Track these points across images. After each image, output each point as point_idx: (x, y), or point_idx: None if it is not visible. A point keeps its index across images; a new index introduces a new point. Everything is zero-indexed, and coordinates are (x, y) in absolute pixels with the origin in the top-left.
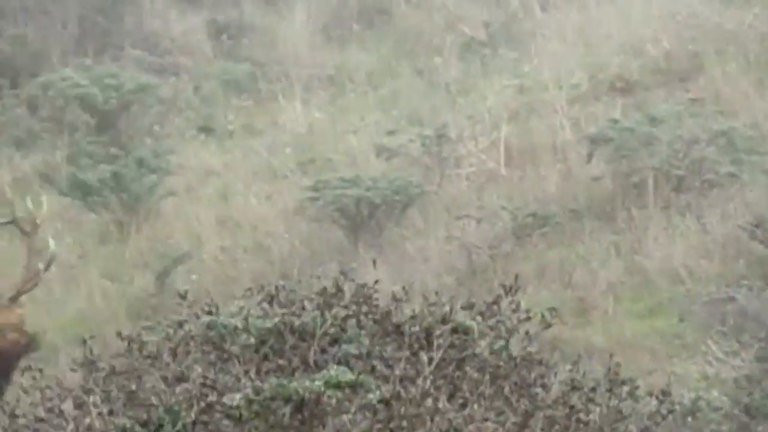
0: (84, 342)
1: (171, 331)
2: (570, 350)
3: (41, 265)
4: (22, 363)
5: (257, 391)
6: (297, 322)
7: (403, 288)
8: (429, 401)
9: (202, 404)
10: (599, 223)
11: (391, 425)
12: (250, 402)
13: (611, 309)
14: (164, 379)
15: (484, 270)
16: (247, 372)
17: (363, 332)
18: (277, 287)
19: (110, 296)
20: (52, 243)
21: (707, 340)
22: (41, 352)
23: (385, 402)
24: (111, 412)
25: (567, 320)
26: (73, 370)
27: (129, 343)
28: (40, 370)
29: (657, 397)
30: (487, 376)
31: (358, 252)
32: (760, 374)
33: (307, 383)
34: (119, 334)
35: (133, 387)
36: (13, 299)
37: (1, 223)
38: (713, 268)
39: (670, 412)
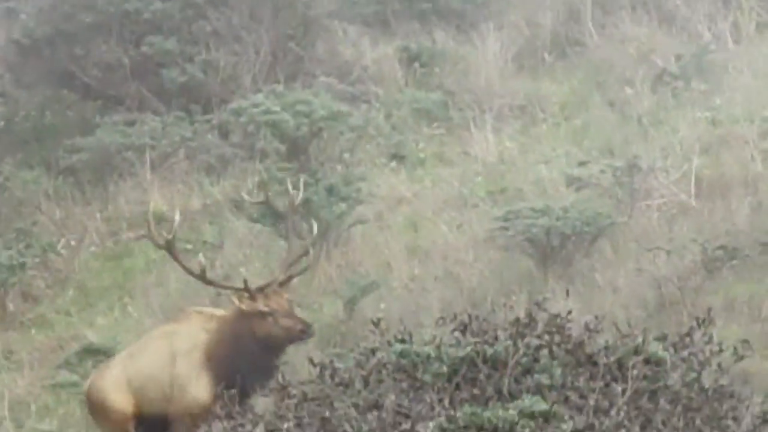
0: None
1: (363, 358)
2: (760, 383)
3: (312, 250)
4: None
5: (451, 420)
6: (490, 351)
7: (596, 318)
8: None
9: None
10: None
11: None
12: (443, 431)
13: None
14: (356, 406)
15: (674, 303)
16: (440, 400)
17: (556, 362)
18: (469, 316)
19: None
20: (314, 226)
21: None
22: None
23: None
24: None
25: (758, 353)
26: (264, 395)
27: (321, 370)
28: (232, 396)
29: None
30: (680, 408)
31: (548, 282)
32: None
33: (501, 412)
34: (311, 360)
35: (326, 414)
36: (283, 284)
37: (255, 202)
38: None
39: None
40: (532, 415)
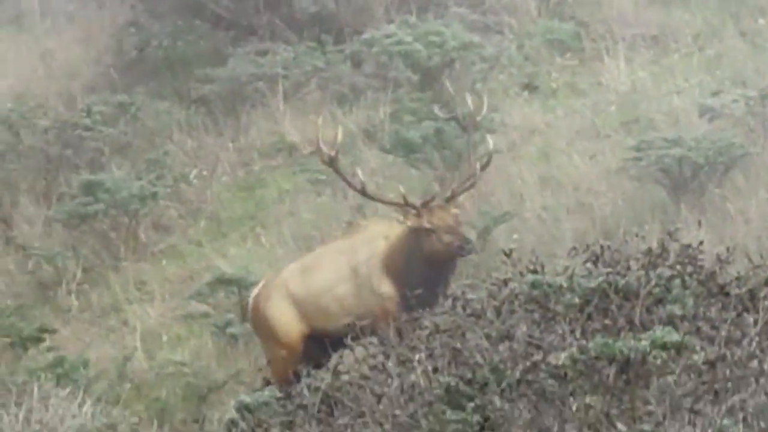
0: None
1: (495, 289)
2: None
3: (478, 164)
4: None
5: (582, 351)
6: (621, 282)
7: (727, 249)
8: (755, 363)
9: (527, 363)
10: None
11: (716, 387)
12: (575, 361)
13: None
14: (488, 337)
15: None
16: (572, 331)
17: (687, 293)
18: (601, 247)
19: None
20: (490, 141)
21: None
22: None
23: (710, 363)
24: (435, 370)
25: None
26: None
27: (453, 301)
28: (362, 328)
29: None
30: None
31: (680, 212)
32: None
33: (633, 343)
34: (445, 292)
35: (458, 345)
36: (449, 199)
37: (445, 118)
38: None
39: None
40: (663, 346)
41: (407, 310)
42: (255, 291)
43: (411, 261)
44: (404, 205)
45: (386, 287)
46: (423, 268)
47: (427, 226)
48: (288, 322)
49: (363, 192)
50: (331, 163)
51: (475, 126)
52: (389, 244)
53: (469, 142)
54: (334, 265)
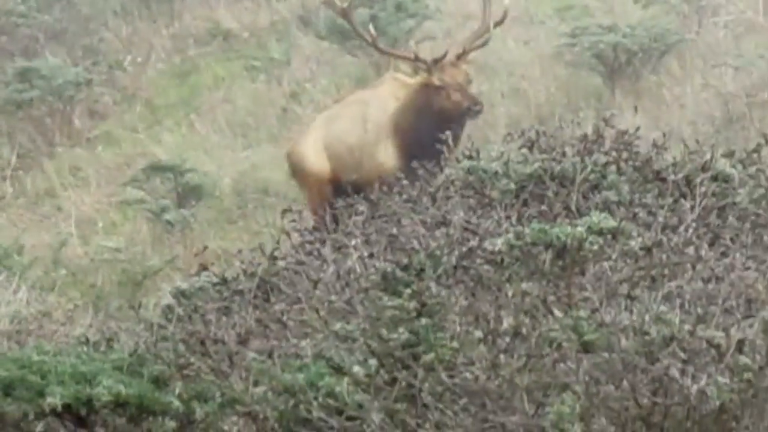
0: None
1: (432, 175)
2: None
3: (492, 22)
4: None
5: (519, 236)
6: (557, 168)
7: (663, 135)
8: (691, 249)
9: (464, 249)
10: None
11: (653, 272)
12: (511, 247)
13: None
14: (424, 223)
15: (741, 118)
16: (508, 217)
17: (623, 179)
18: (537, 132)
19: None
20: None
21: None
22: (297, 194)
23: (647, 249)
24: (371, 256)
25: None
26: (332, 212)
27: (389, 187)
28: (300, 212)
29: None
30: (748, 225)
31: (615, 98)
32: None
33: (569, 229)
34: (379, 177)
35: (394, 231)
36: (461, 56)
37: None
38: None
39: None
40: (600, 232)
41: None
42: (294, 140)
43: (420, 119)
44: (415, 61)
45: (387, 154)
46: (432, 126)
47: (437, 82)
48: (315, 171)
49: (375, 45)
50: (344, 14)
51: None
52: (399, 105)
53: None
54: (351, 115)
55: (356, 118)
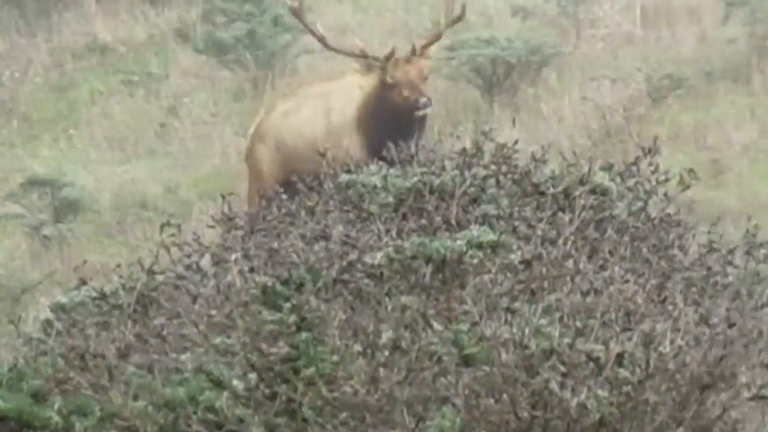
0: (222, 198)
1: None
2: (705, 212)
3: (443, 19)
4: None
5: (398, 250)
6: (436, 182)
7: (542, 148)
8: (570, 262)
9: (343, 263)
10: (734, 85)
11: (532, 286)
12: (391, 261)
13: (745, 171)
14: (303, 237)
15: (619, 131)
16: (387, 231)
17: (503, 192)
18: (416, 146)
19: (244, 153)
20: None
21: None
22: (176, 207)
23: (527, 262)
24: (251, 270)
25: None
26: (211, 226)
27: (268, 201)
28: (179, 227)
29: None
30: (626, 238)
31: (494, 112)
32: None
33: (449, 242)
34: (259, 192)
35: (274, 245)
36: (415, 52)
37: None
38: None
39: None
40: (480, 245)
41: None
42: (251, 128)
43: (378, 115)
44: (368, 58)
45: (353, 143)
46: (389, 123)
47: (389, 80)
48: (267, 167)
49: (323, 43)
50: (295, 13)
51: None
52: (363, 96)
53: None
54: (311, 108)
55: (318, 109)
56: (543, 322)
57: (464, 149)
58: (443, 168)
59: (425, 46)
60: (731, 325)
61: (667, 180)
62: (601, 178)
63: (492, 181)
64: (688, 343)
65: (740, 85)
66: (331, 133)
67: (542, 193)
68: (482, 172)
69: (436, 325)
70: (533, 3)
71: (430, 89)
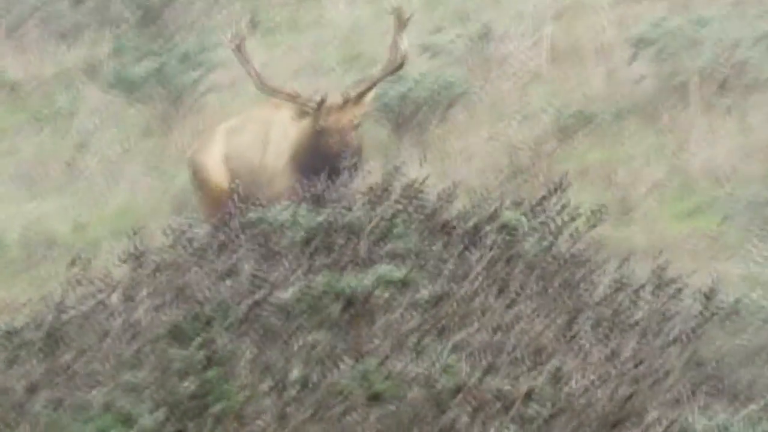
0: (132, 235)
1: (218, 225)
2: (613, 250)
3: (381, 68)
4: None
5: (308, 287)
6: (345, 219)
7: (451, 185)
8: (479, 300)
9: (253, 300)
10: (642, 123)
11: (441, 323)
12: (300, 298)
13: (653, 209)
14: (212, 273)
15: (527, 169)
16: (297, 268)
17: (411, 229)
18: (325, 183)
19: (153, 190)
20: (405, 42)
21: (749, 241)
22: (84, 244)
23: (435, 299)
24: (160, 307)
25: (610, 220)
26: (119, 263)
27: (176, 238)
28: (88, 263)
29: (703, 299)
30: (535, 275)
31: (402, 150)
32: None
33: (358, 279)
34: (167, 227)
35: (183, 282)
36: (348, 101)
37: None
38: (755, 170)
39: (715, 313)
40: (389, 282)
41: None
42: (194, 146)
43: (310, 157)
44: (301, 103)
45: (281, 184)
46: (318, 166)
47: (319, 126)
48: (215, 181)
49: (259, 83)
50: (237, 50)
51: (401, 24)
52: (297, 135)
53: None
54: (254, 132)
55: (258, 136)
56: (452, 358)
57: (372, 186)
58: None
59: (360, 95)
60: (640, 363)
61: (575, 217)
62: (510, 215)
63: (401, 217)
64: (597, 380)
65: (648, 122)
66: (265, 167)
67: (451, 230)
68: (391, 209)
69: (345, 362)
70: (442, 41)
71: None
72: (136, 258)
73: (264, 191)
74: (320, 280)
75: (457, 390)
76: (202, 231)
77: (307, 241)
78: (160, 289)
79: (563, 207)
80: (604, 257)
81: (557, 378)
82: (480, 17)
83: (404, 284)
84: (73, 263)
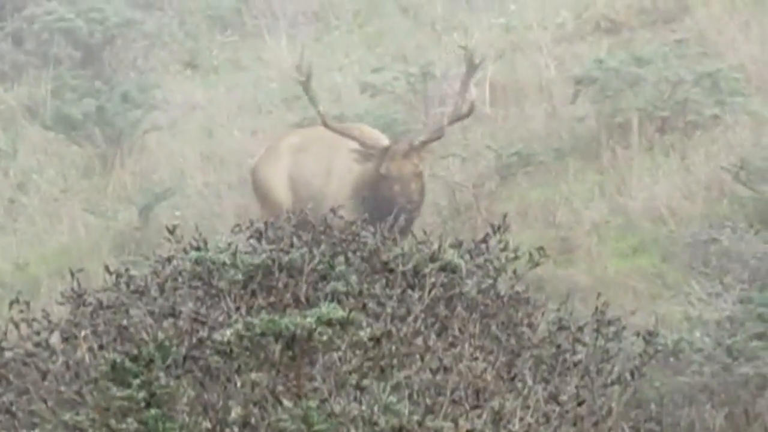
0: (71, 275)
1: (159, 266)
2: (554, 289)
3: (446, 118)
4: None
5: (248, 327)
6: (285, 259)
7: (391, 226)
8: (419, 340)
9: (193, 339)
10: (583, 162)
11: (382, 363)
12: (240, 338)
13: (595, 249)
14: (152, 313)
15: (468, 209)
16: (237, 308)
17: (351, 269)
18: (265, 223)
19: (93, 230)
20: (473, 89)
21: (690, 280)
22: (24, 283)
23: (376, 340)
24: (101, 347)
25: (552, 259)
26: (60, 303)
27: (116, 278)
28: (27, 303)
29: (644, 338)
30: (476, 315)
31: None
32: (743, 316)
33: (298, 320)
34: (107, 268)
35: (123, 322)
36: (412, 149)
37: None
38: (696, 209)
39: (656, 353)
40: (329, 322)
41: None
42: (255, 159)
43: (372, 198)
44: (366, 147)
45: (348, 214)
46: (380, 209)
47: (383, 171)
48: (277, 197)
49: (325, 121)
50: (303, 86)
51: (472, 69)
52: (360, 173)
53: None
54: (318, 156)
55: (322, 161)
56: (392, 399)
57: (313, 226)
58: (292, 245)
59: (425, 143)
60: (580, 403)
61: (516, 257)
62: (450, 255)
63: (341, 258)
64: (538, 421)
65: (589, 162)
66: (326, 197)
67: (391, 271)
68: (331, 250)
69: (286, 402)
70: (382, 80)
71: None
72: (77, 298)
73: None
74: (261, 320)
75: (398, 430)
76: (142, 271)
77: (247, 281)
78: (100, 329)
79: (503, 247)
80: (545, 297)
81: (498, 418)
82: (420, 57)
83: (345, 324)
84: (13, 303)
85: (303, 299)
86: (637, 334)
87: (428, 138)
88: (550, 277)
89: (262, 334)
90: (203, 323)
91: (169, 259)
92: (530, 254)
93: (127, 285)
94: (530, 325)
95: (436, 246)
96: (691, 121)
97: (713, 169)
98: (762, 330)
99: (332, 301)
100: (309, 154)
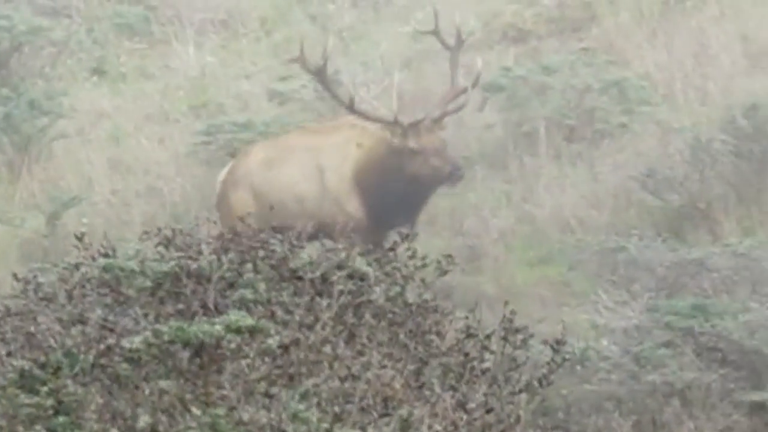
0: None
1: (67, 273)
2: (462, 298)
3: (468, 84)
4: None
5: (157, 335)
6: (194, 266)
7: (299, 233)
8: (328, 348)
9: (101, 347)
10: (491, 171)
11: (290, 371)
12: (149, 345)
13: (502, 257)
14: (60, 321)
15: None
16: (145, 315)
17: (260, 277)
18: (173, 230)
19: (0, 237)
20: (479, 61)
21: (597, 289)
22: None
23: (284, 347)
24: (9, 354)
25: (459, 267)
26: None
27: (24, 285)
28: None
29: (552, 346)
30: (384, 323)
31: None
32: (650, 324)
33: (207, 327)
34: (14, 275)
35: (31, 329)
36: (437, 120)
37: (424, 32)
38: (604, 218)
39: (565, 360)
40: (237, 330)
41: (379, 230)
42: (223, 174)
43: (388, 181)
44: (391, 123)
45: (354, 206)
46: (400, 190)
47: (415, 147)
48: (240, 209)
49: (350, 106)
50: (318, 73)
51: (459, 44)
52: (364, 154)
53: (453, 63)
54: (299, 164)
55: (306, 166)
56: (301, 407)
57: (221, 234)
58: (200, 252)
59: (446, 115)
60: (488, 411)
61: (424, 265)
62: (358, 263)
63: (249, 265)
64: (446, 429)
65: (497, 170)
66: (327, 194)
67: (300, 278)
68: (239, 257)
69: (194, 410)
70: (290, 87)
71: (187, 174)
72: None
73: (329, 217)
74: (169, 327)
75: None
76: (50, 278)
77: (155, 289)
78: (8, 337)
79: (411, 255)
80: (453, 305)
81: (406, 426)
82: (329, 64)
83: (253, 332)
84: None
85: (211, 307)
86: (545, 343)
87: (448, 111)
88: (458, 285)
89: (171, 342)
90: (111, 330)
91: (77, 266)
92: (438, 262)
93: (35, 292)
94: (438, 333)
95: (344, 254)
96: (598, 129)
97: (621, 177)
98: (669, 338)
99: (240, 308)
100: (287, 166)
